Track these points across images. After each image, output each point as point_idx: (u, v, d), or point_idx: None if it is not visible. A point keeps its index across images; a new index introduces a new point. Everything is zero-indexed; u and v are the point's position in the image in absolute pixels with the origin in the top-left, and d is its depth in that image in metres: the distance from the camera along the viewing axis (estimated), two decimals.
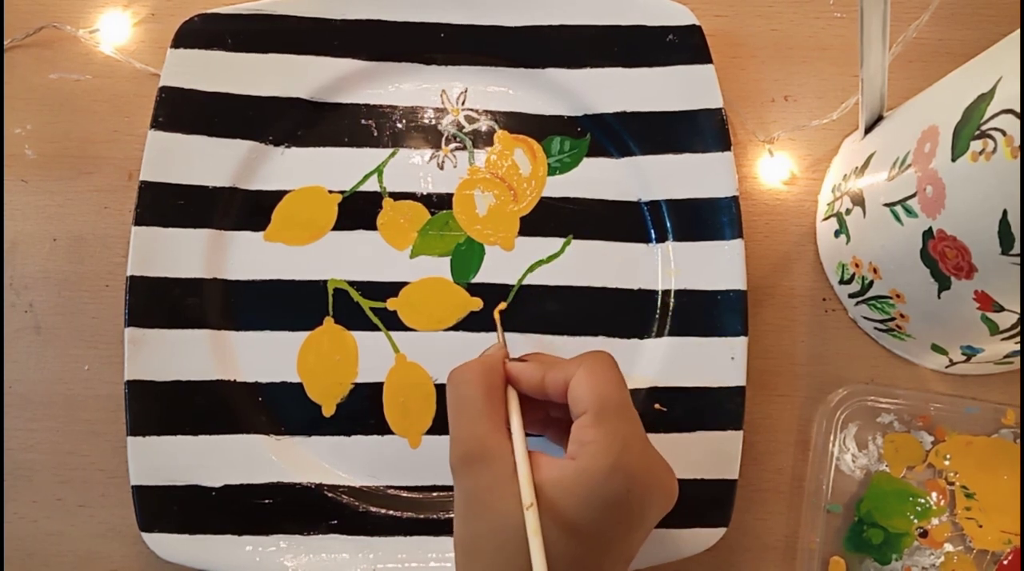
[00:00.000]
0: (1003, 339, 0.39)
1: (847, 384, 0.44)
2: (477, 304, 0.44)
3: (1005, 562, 0.41)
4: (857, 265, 0.43)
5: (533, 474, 0.32)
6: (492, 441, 0.33)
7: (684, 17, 0.44)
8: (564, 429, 0.35)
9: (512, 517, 0.31)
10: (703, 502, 0.40)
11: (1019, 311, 0.36)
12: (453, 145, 0.45)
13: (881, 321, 0.44)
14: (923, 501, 0.43)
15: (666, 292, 0.44)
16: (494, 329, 0.43)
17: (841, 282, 0.45)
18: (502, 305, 0.43)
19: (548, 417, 0.38)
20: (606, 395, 0.33)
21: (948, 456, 0.43)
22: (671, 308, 0.43)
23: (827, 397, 0.44)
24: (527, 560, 0.30)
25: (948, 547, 0.42)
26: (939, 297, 0.38)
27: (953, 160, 0.34)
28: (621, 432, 0.33)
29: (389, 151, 0.45)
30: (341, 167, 0.44)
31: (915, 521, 0.42)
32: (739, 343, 0.42)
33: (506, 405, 0.35)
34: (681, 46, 0.44)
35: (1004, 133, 0.31)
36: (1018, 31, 0.33)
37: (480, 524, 0.32)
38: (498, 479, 0.32)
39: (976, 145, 0.32)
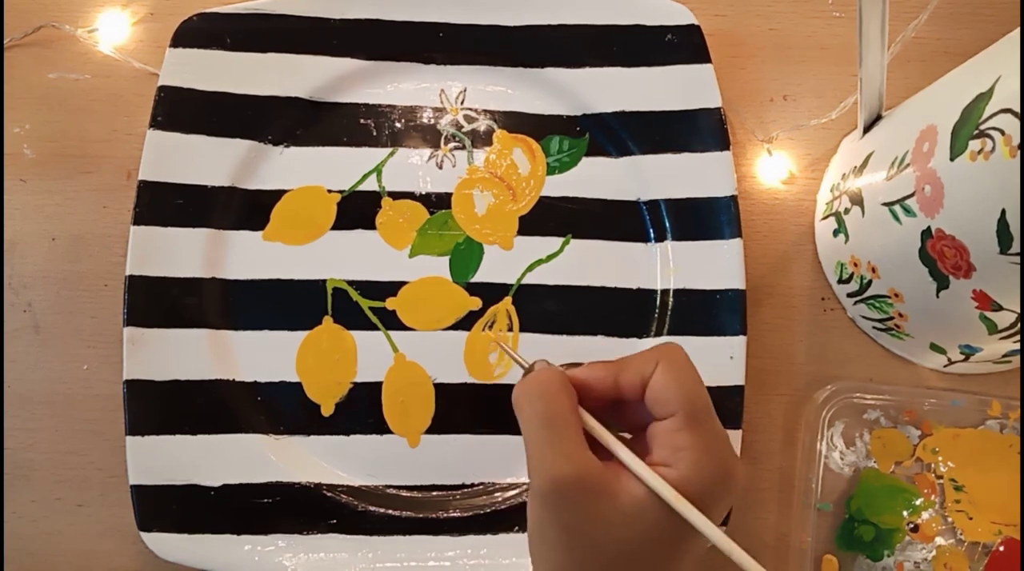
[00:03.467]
0: (1001, 338, 0.39)
1: (833, 381, 0.44)
2: (476, 303, 0.44)
3: (1000, 550, 0.41)
4: (856, 264, 0.43)
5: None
6: (588, 462, 0.30)
7: (683, 17, 0.44)
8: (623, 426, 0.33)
9: (624, 541, 0.29)
10: None
11: (1017, 310, 0.36)
12: (452, 144, 0.45)
13: (880, 320, 0.44)
14: (912, 496, 0.43)
15: (665, 291, 0.44)
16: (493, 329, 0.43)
17: (840, 281, 0.45)
18: (501, 337, 0.42)
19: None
20: (694, 395, 0.31)
21: (936, 450, 0.43)
22: (670, 307, 0.43)
23: (813, 395, 0.44)
24: None
25: (939, 540, 0.42)
26: (937, 296, 0.38)
27: (951, 159, 0.34)
28: (715, 435, 0.31)
29: (388, 150, 0.45)
30: (340, 166, 0.44)
31: (906, 516, 0.42)
32: (738, 342, 0.42)
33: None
34: (680, 46, 0.44)
35: (1003, 132, 0.31)
36: (1016, 31, 0.33)
37: (586, 552, 0.30)
38: (604, 503, 0.30)
39: (975, 144, 0.32)
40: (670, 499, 0.29)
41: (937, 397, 0.44)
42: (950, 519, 0.42)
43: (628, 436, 0.33)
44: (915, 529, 0.42)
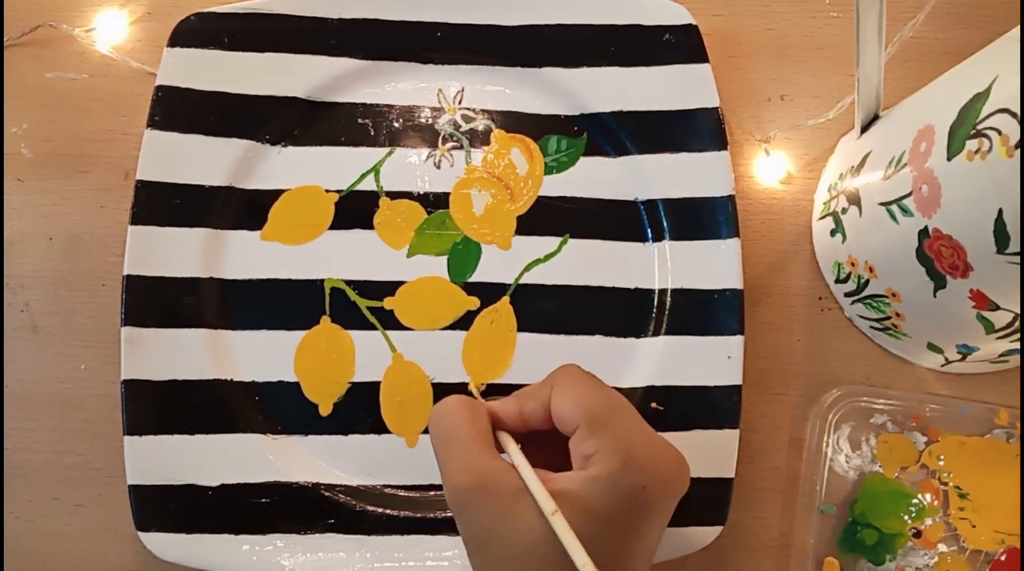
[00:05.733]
0: (999, 338, 0.39)
1: (841, 384, 0.44)
2: (474, 303, 0.44)
3: (1001, 559, 0.41)
4: (853, 264, 0.43)
5: (545, 487, 0.31)
6: (490, 466, 0.32)
7: (681, 16, 0.44)
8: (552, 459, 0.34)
9: (531, 533, 0.30)
10: (700, 501, 0.40)
11: (1014, 310, 0.36)
12: (450, 144, 0.45)
13: (877, 320, 0.44)
14: (917, 501, 0.43)
15: (663, 291, 0.44)
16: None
17: (837, 281, 0.45)
18: (478, 387, 0.43)
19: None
20: (589, 404, 0.33)
21: (942, 456, 0.43)
22: (668, 307, 0.43)
23: (820, 398, 0.44)
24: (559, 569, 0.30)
25: (942, 547, 0.42)
26: (935, 296, 0.38)
27: (949, 159, 0.34)
28: (620, 431, 0.32)
29: (386, 150, 0.45)
30: (338, 166, 0.44)
31: (909, 522, 0.42)
32: (735, 342, 0.42)
33: (493, 433, 0.34)
34: (678, 45, 0.44)
35: (1000, 132, 0.31)
36: (1013, 31, 0.33)
37: (499, 551, 0.31)
38: (507, 501, 0.31)
39: (972, 144, 0.32)
40: (543, 505, 0.30)
41: (945, 404, 0.43)
42: (953, 526, 0.42)
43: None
44: (918, 535, 0.42)
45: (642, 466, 0.32)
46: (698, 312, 0.43)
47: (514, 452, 0.33)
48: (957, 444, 0.43)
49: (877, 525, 0.42)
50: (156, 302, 0.42)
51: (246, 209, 0.44)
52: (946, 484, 0.43)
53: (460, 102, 0.45)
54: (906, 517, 0.42)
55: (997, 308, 0.36)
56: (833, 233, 0.44)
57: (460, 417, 0.34)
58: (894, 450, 0.43)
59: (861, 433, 0.44)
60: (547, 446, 0.35)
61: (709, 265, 0.43)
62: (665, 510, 0.33)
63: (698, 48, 0.44)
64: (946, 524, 0.43)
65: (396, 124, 0.45)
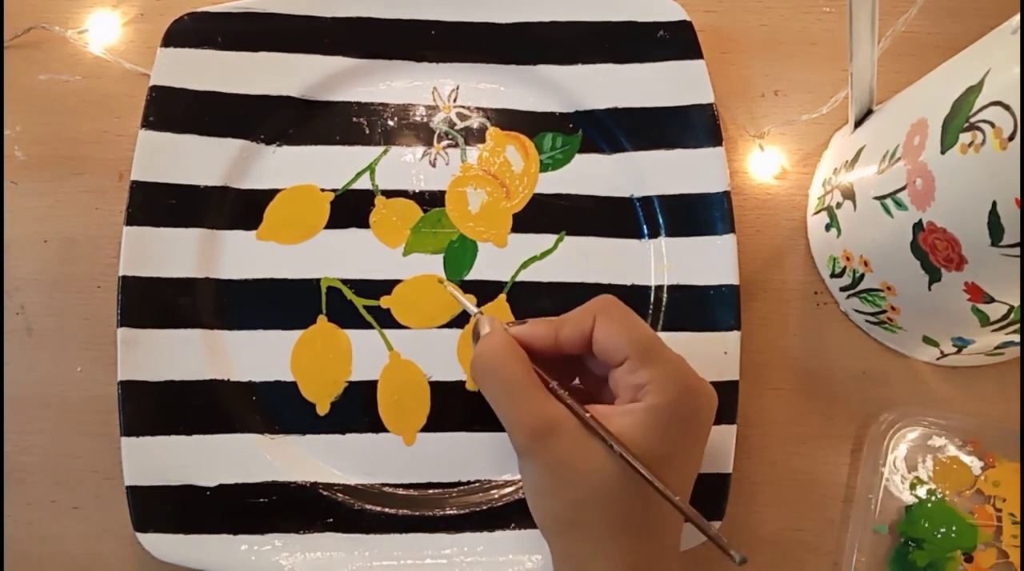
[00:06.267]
0: (994, 330, 0.39)
1: (899, 405, 0.44)
2: (471, 301, 0.43)
3: None
4: (848, 258, 0.43)
5: (606, 425, 0.33)
6: (555, 410, 0.33)
7: (675, 13, 0.45)
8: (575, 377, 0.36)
9: (608, 468, 0.32)
10: (697, 496, 0.40)
11: (1009, 302, 0.36)
12: (445, 142, 0.45)
13: (872, 314, 0.44)
14: (970, 526, 0.42)
15: (659, 287, 0.44)
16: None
17: (832, 275, 0.45)
18: (440, 277, 0.43)
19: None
20: (639, 336, 0.34)
21: (997, 482, 0.43)
22: (664, 303, 0.44)
23: (879, 417, 0.44)
24: (640, 504, 0.32)
25: None
26: (930, 289, 0.38)
27: (942, 153, 0.34)
28: (671, 361, 0.34)
29: (381, 149, 0.45)
30: (333, 165, 0.44)
31: (961, 546, 0.42)
32: (732, 338, 0.42)
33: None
34: (672, 42, 0.44)
35: (993, 125, 0.31)
36: (1005, 24, 0.34)
37: (576, 490, 0.33)
38: (579, 440, 0.33)
39: (965, 137, 0.32)
40: (615, 446, 0.32)
41: (1002, 430, 0.43)
42: (1006, 552, 0.42)
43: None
44: (970, 559, 0.42)
45: (695, 390, 0.34)
46: (694, 308, 0.43)
47: (565, 395, 0.34)
48: (1013, 471, 0.43)
49: (929, 548, 0.42)
50: (152, 303, 0.42)
51: (241, 209, 0.43)
52: (1000, 510, 0.43)
53: (455, 100, 0.45)
54: (959, 541, 0.42)
55: (992, 301, 0.36)
56: (828, 228, 0.44)
57: (512, 366, 0.34)
58: (950, 473, 0.43)
59: (918, 454, 0.43)
60: (565, 369, 0.36)
61: (705, 261, 0.43)
62: (709, 430, 0.35)
63: (692, 44, 0.44)
64: (998, 550, 0.42)
65: (391, 123, 0.45)
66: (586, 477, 0.32)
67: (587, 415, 0.33)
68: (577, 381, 0.38)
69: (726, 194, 0.43)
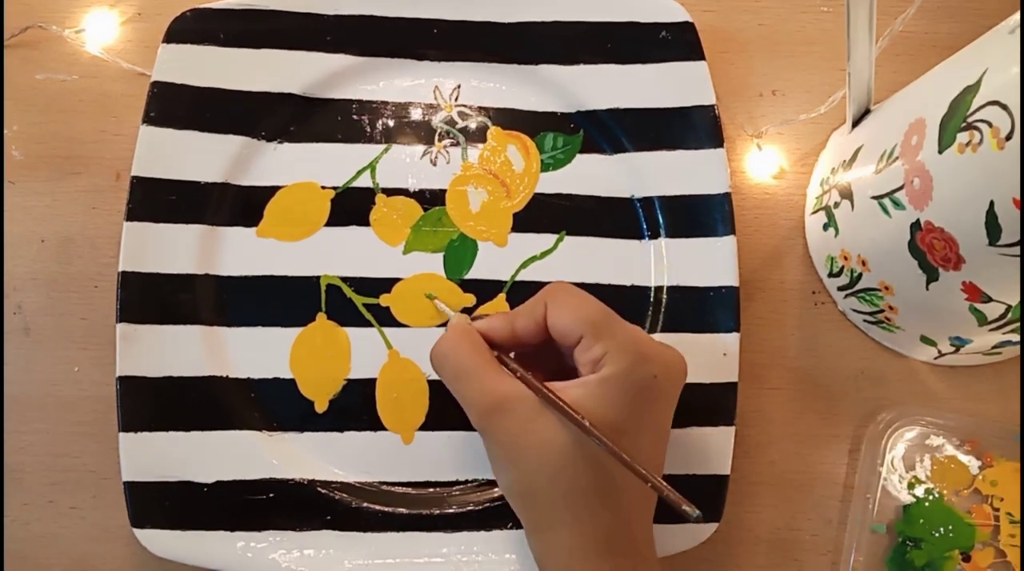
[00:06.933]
0: (991, 330, 0.39)
1: (896, 405, 0.44)
2: (470, 300, 0.44)
3: None
4: (846, 258, 0.43)
5: (561, 397, 0.33)
6: (504, 386, 0.34)
7: (677, 14, 0.45)
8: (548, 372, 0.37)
9: (558, 440, 0.33)
10: (695, 498, 0.40)
11: (1007, 302, 0.36)
12: (446, 141, 0.45)
13: (870, 313, 0.44)
14: (968, 526, 0.42)
15: (659, 288, 0.44)
16: None
17: (830, 275, 0.45)
18: (431, 293, 0.43)
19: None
20: (589, 314, 0.35)
21: (995, 482, 0.43)
22: (664, 304, 0.44)
23: (877, 416, 0.44)
24: (592, 472, 0.33)
25: None
26: (927, 289, 0.38)
27: (940, 152, 0.34)
28: (624, 333, 0.35)
29: (382, 147, 0.45)
30: (334, 163, 0.44)
31: (959, 545, 0.42)
32: (731, 339, 0.42)
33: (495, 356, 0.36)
34: (674, 43, 0.45)
35: (990, 125, 0.31)
36: (1003, 23, 0.34)
37: (529, 462, 0.34)
38: (530, 415, 0.34)
39: (963, 137, 0.33)
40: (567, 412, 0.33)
41: (1001, 430, 0.44)
42: (1004, 552, 0.42)
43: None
44: (967, 559, 0.42)
45: (650, 358, 0.35)
46: (694, 309, 0.43)
47: (520, 372, 0.35)
48: (1011, 470, 0.43)
49: (927, 547, 0.42)
50: (151, 298, 0.41)
51: (242, 205, 0.43)
52: (998, 510, 0.43)
53: (456, 99, 0.45)
54: (956, 541, 0.42)
55: (989, 300, 0.37)
56: (826, 227, 0.44)
57: (463, 351, 0.36)
58: (948, 473, 0.43)
59: (916, 454, 0.44)
60: (532, 361, 0.37)
61: (705, 262, 0.43)
62: (672, 397, 0.36)
63: (695, 45, 0.44)
64: (996, 550, 0.42)
65: (392, 121, 0.45)
66: (538, 449, 0.33)
67: (543, 389, 0.34)
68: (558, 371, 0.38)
69: (727, 196, 0.43)
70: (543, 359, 0.38)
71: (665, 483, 0.32)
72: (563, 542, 0.34)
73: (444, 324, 0.43)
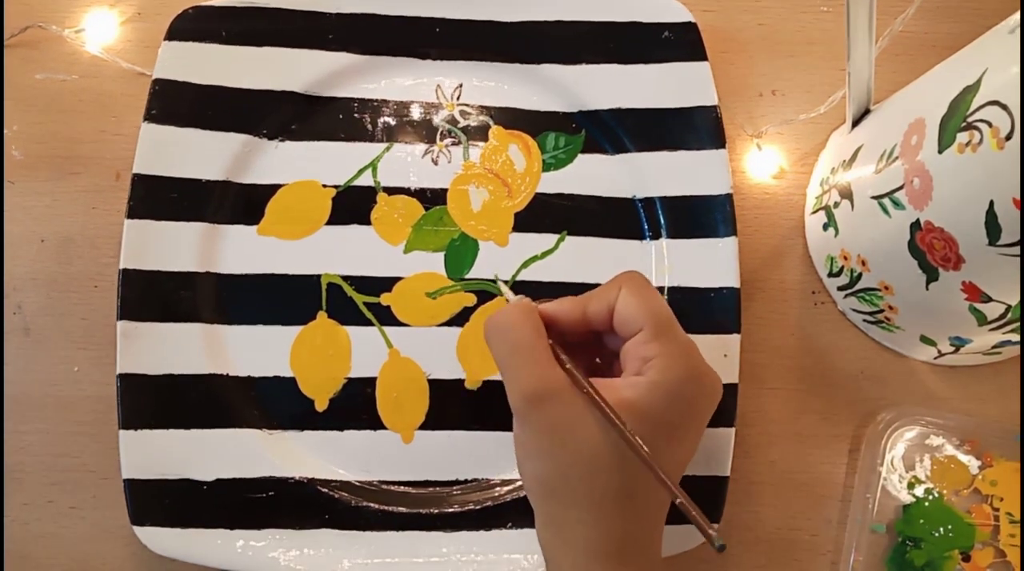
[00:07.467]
0: (991, 329, 0.39)
1: (896, 405, 0.44)
2: (471, 300, 0.44)
3: None
4: (846, 258, 0.43)
5: (607, 397, 0.33)
6: (556, 376, 0.34)
7: (680, 14, 0.45)
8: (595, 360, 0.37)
9: (599, 440, 0.33)
10: (695, 498, 0.40)
11: (1007, 301, 0.36)
12: (448, 140, 0.45)
13: (870, 313, 0.44)
14: (968, 525, 0.42)
15: (659, 289, 0.44)
16: None
17: (830, 275, 0.45)
18: (496, 276, 0.43)
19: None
20: (657, 310, 0.35)
21: (995, 482, 0.43)
22: None
23: (877, 416, 0.44)
24: (622, 476, 0.33)
25: None
26: (927, 288, 0.38)
27: (940, 152, 0.34)
28: (681, 341, 0.35)
29: (383, 146, 0.45)
30: (335, 161, 0.44)
31: (959, 545, 0.42)
32: (732, 340, 0.42)
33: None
34: (676, 43, 0.45)
35: (990, 124, 0.31)
36: (1002, 23, 0.34)
37: (566, 455, 0.33)
38: (575, 410, 0.33)
39: (962, 137, 0.33)
40: (612, 417, 0.32)
41: (1001, 430, 0.44)
42: (1003, 552, 0.42)
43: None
44: (967, 559, 0.42)
45: (700, 376, 0.34)
46: (695, 310, 0.43)
47: (570, 365, 0.34)
48: (1011, 470, 0.43)
49: (926, 547, 0.42)
50: (152, 296, 0.41)
51: (243, 204, 0.43)
52: (998, 510, 0.43)
53: (458, 98, 0.46)
54: (956, 540, 0.42)
55: (989, 300, 0.37)
56: (826, 227, 0.44)
57: (524, 330, 0.35)
58: (948, 473, 0.43)
59: (915, 454, 0.44)
60: (584, 352, 0.37)
61: (706, 264, 0.43)
62: (706, 419, 0.35)
63: (697, 46, 0.44)
64: (996, 549, 0.42)
65: (393, 120, 0.45)
66: (576, 444, 0.33)
67: (589, 386, 0.33)
68: (598, 361, 0.38)
69: (728, 197, 0.43)
70: (582, 352, 0.37)
71: (695, 505, 0.32)
72: (580, 541, 0.33)
73: (445, 324, 0.43)
